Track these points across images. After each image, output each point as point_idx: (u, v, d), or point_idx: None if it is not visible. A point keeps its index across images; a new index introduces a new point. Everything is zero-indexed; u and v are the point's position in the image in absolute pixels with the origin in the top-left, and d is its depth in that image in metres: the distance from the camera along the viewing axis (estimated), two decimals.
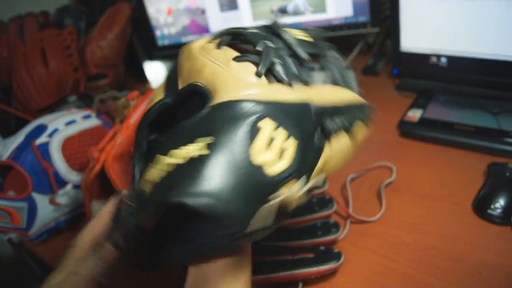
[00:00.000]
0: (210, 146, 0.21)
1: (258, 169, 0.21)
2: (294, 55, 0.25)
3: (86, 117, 0.59)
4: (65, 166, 0.52)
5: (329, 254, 0.40)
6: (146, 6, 0.79)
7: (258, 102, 0.22)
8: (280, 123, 0.22)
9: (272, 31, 0.26)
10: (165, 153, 0.22)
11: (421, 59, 0.63)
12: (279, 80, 0.24)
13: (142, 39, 0.87)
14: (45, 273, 0.51)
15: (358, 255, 0.43)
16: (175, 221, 0.24)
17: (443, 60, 0.61)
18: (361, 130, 0.27)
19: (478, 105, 0.57)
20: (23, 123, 0.58)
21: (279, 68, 0.24)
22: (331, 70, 0.26)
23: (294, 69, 0.24)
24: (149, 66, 0.88)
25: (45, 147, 0.52)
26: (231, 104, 0.22)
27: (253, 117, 0.22)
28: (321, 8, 0.71)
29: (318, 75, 0.25)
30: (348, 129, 0.26)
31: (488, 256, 0.40)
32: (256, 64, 0.24)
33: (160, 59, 0.87)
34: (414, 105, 0.61)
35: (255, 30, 0.26)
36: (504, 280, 0.38)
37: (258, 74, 0.23)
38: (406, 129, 0.58)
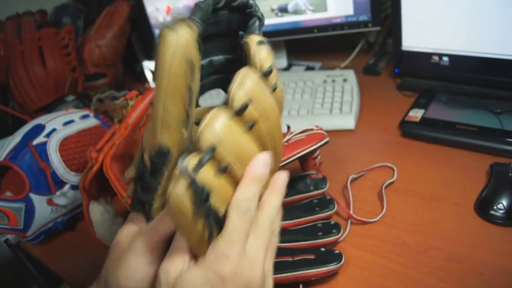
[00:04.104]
0: None
1: None
2: None
3: (84, 117, 0.58)
4: (63, 166, 0.52)
5: (330, 255, 0.40)
6: (145, 4, 0.78)
7: None
8: None
9: None
10: None
11: (423, 58, 0.63)
12: None
13: (141, 38, 0.86)
14: (42, 274, 0.51)
15: (359, 256, 0.42)
16: None
17: (445, 59, 0.61)
18: None
19: (481, 105, 0.57)
20: (21, 123, 0.57)
21: None
22: None
23: None
24: (148, 66, 0.87)
25: (42, 147, 0.51)
26: None
27: None
28: (322, 7, 0.71)
29: None
30: None
31: (490, 257, 0.40)
32: None
33: None
34: (415, 105, 0.61)
35: None
36: (506, 281, 0.37)
37: None
38: (408, 129, 0.58)
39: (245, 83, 0.21)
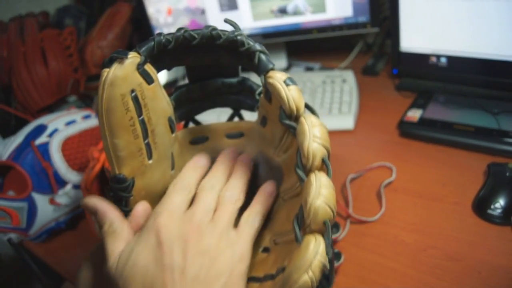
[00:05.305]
0: None
1: None
2: None
3: (86, 117, 0.59)
4: (65, 166, 0.52)
5: None
6: (146, 6, 0.79)
7: None
8: None
9: None
10: None
11: (421, 59, 0.63)
12: None
13: (141, 39, 0.86)
14: (45, 273, 0.52)
15: (358, 255, 0.43)
16: None
17: (443, 60, 0.61)
18: None
19: (478, 105, 0.57)
20: (23, 123, 0.58)
21: None
22: None
23: None
24: None
25: (45, 147, 0.52)
26: None
27: None
28: (321, 8, 0.71)
29: None
30: None
31: (488, 256, 0.40)
32: None
33: None
34: (413, 105, 0.61)
35: None
36: (503, 280, 0.38)
37: None
38: (406, 129, 0.58)
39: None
